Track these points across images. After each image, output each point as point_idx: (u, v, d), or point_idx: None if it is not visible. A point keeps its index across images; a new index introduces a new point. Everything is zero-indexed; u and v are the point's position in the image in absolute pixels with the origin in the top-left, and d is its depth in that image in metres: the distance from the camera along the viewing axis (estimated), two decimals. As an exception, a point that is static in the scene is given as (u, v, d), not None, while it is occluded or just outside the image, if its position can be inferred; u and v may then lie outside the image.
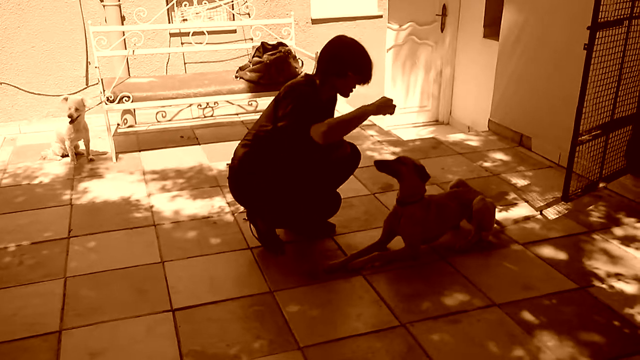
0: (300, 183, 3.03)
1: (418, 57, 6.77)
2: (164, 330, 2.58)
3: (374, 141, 5.10)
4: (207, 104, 5.79)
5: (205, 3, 5.63)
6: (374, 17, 6.21)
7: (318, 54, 3.04)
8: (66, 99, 4.47)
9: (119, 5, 5.30)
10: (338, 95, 3.15)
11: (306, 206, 3.18)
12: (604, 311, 2.68)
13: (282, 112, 2.93)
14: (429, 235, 3.15)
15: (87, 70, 5.52)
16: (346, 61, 2.94)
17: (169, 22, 5.63)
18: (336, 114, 3.20)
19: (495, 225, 3.39)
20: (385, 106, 3.01)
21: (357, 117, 2.95)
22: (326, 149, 3.02)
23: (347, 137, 3.36)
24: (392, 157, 3.14)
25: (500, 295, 2.80)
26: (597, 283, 2.91)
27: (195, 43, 5.48)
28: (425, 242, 3.18)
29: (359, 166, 3.35)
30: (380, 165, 3.05)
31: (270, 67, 4.89)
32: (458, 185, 3.45)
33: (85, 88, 5.54)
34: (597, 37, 3.32)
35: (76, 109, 4.40)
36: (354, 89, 3.06)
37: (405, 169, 3.00)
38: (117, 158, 4.70)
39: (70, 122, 4.43)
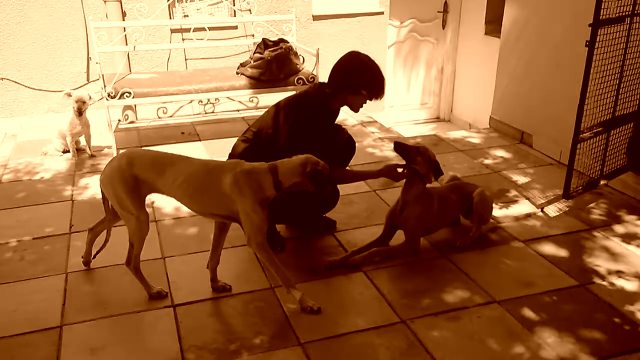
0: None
1: (419, 54, 6.77)
2: (165, 325, 2.59)
3: (375, 138, 5.09)
4: (208, 100, 5.79)
5: (206, -1, 5.62)
6: (375, 13, 6.20)
7: (331, 69, 3.03)
8: (69, 94, 4.48)
9: (120, 1, 5.29)
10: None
11: (302, 199, 3.17)
12: (605, 308, 2.69)
13: (283, 121, 2.97)
14: (429, 228, 3.16)
15: (88, 66, 5.52)
16: (360, 79, 2.96)
17: (170, 18, 5.62)
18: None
19: (491, 219, 3.40)
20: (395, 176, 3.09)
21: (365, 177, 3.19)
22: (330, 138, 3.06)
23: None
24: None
25: (501, 292, 2.81)
26: (597, 280, 2.91)
27: (197, 39, 5.47)
28: (424, 234, 3.18)
29: (360, 163, 3.35)
30: (399, 147, 3.04)
31: (272, 64, 4.89)
32: (452, 181, 3.46)
33: (87, 84, 5.54)
34: (598, 34, 3.32)
35: (83, 102, 4.44)
36: (364, 105, 3.09)
37: (421, 159, 3.00)
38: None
39: (79, 116, 4.45)
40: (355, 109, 3.09)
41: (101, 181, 2.69)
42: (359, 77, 2.96)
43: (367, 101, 3.06)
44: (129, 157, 2.63)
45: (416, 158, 3.00)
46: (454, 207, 3.25)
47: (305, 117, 2.96)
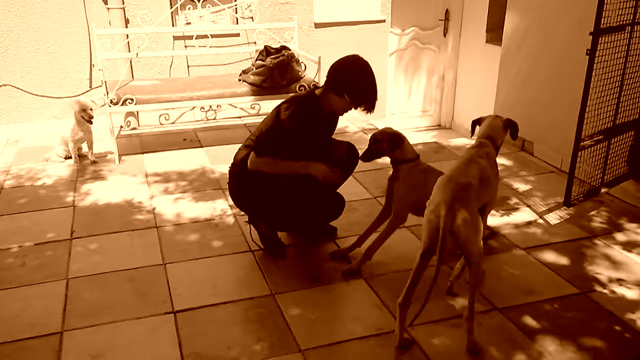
0: (300, 185, 3.02)
1: (420, 62, 6.78)
2: (165, 332, 2.58)
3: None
4: (210, 107, 5.80)
5: (209, 6, 5.65)
6: (377, 21, 6.22)
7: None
8: (78, 102, 4.51)
9: (123, 8, 5.32)
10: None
11: (308, 209, 3.18)
12: (606, 316, 2.68)
13: (282, 116, 2.94)
14: (421, 204, 3.07)
15: (90, 73, 5.55)
16: (346, 83, 2.88)
17: (173, 25, 5.65)
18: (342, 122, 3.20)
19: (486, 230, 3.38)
20: (326, 176, 2.96)
21: (293, 168, 2.94)
22: (326, 149, 3.02)
23: (349, 140, 3.38)
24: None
25: (502, 299, 2.80)
26: (598, 288, 2.90)
27: (199, 46, 5.50)
28: (415, 212, 3.08)
29: (361, 170, 3.35)
30: (366, 157, 2.98)
31: (273, 71, 4.91)
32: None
33: (89, 90, 5.57)
34: (599, 42, 3.33)
35: (90, 109, 4.48)
36: (348, 111, 3.02)
37: (386, 145, 2.92)
38: (120, 160, 4.72)
39: (90, 124, 4.50)
40: (339, 112, 3.04)
41: (460, 219, 2.23)
42: (346, 81, 2.88)
43: (352, 108, 2.97)
44: (470, 179, 2.34)
45: (382, 149, 2.92)
46: None
47: (297, 114, 2.90)
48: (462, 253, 2.33)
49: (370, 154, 2.99)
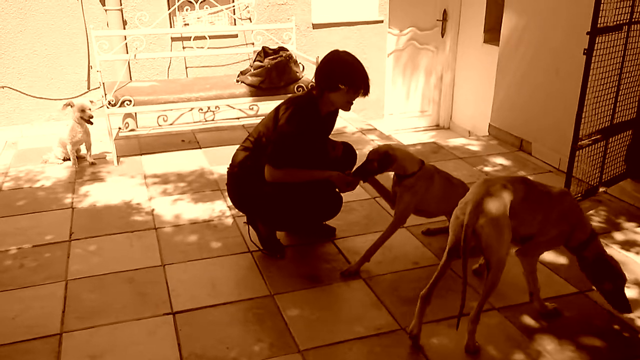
0: (297, 184, 3.03)
1: (419, 62, 6.79)
2: (164, 333, 2.59)
3: (375, 146, 5.10)
4: (209, 108, 5.81)
5: (206, 8, 5.65)
6: (374, 22, 6.23)
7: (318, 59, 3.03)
8: (71, 105, 4.50)
9: (121, 10, 5.33)
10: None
11: (306, 207, 3.18)
12: (604, 315, 2.69)
13: (281, 121, 2.96)
14: (426, 208, 3.07)
15: (88, 74, 5.55)
16: (336, 74, 2.92)
17: (171, 27, 5.65)
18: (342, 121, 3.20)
19: None
20: (343, 183, 3.04)
21: (313, 176, 3.03)
22: (323, 151, 3.01)
23: (348, 141, 3.38)
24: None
25: (501, 299, 2.80)
26: (597, 287, 2.91)
27: (197, 47, 5.50)
28: (419, 214, 3.11)
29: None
30: (360, 174, 3.01)
31: (271, 72, 4.91)
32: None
33: (87, 92, 5.57)
34: (596, 42, 3.33)
35: (89, 109, 4.49)
36: (352, 102, 3.05)
37: (376, 165, 2.94)
38: (118, 162, 4.72)
39: (90, 123, 4.52)
40: (342, 107, 3.05)
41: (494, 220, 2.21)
42: (336, 73, 2.93)
43: (353, 97, 2.99)
44: (506, 184, 2.31)
45: (368, 166, 2.97)
46: (457, 199, 3.19)
47: (296, 116, 2.93)
48: (484, 257, 2.33)
49: (364, 172, 3.01)
